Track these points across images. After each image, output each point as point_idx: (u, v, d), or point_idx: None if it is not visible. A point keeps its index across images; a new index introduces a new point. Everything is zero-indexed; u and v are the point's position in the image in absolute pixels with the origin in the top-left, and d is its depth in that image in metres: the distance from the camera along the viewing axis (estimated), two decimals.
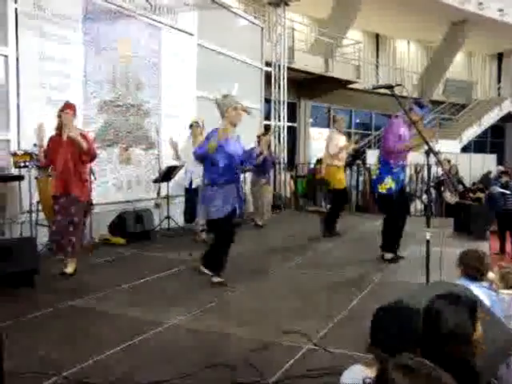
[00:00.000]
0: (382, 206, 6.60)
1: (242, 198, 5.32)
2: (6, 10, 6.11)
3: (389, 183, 6.19)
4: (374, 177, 6.52)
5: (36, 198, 6.19)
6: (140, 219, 7.60)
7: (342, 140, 8.11)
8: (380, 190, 6.26)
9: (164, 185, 8.09)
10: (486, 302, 3.21)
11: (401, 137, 5.94)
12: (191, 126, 7.59)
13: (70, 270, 5.40)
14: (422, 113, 5.99)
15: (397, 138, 5.92)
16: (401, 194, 6.37)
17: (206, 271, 5.31)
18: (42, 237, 6.18)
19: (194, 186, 7.50)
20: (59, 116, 5.35)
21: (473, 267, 3.49)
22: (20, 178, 5.99)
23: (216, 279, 5.21)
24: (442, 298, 2.06)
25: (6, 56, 6.15)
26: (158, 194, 8.04)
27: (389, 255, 6.37)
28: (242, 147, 5.34)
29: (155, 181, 8.06)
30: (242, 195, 5.33)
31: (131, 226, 7.42)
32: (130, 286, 5.09)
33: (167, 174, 7.91)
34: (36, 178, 6.13)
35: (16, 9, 6.20)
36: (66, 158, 5.33)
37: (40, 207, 6.20)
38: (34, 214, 6.18)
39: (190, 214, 7.66)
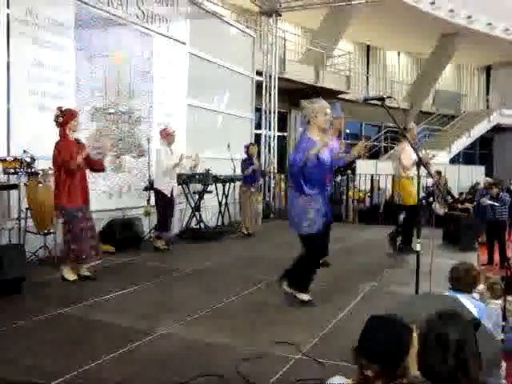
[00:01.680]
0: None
1: (329, 206, 4.89)
2: None
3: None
4: None
5: (25, 204, 6.14)
6: (130, 227, 7.58)
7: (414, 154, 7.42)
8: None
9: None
10: (474, 312, 3.23)
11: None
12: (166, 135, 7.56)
13: (88, 273, 5.68)
14: (337, 113, 6.17)
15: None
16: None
17: (291, 290, 4.85)
18: (31, 244, 6.13)
19: (174, 195, 7.61)
20: (65, 123, 5.47)
21: (462, 281, 3.52)
22: (14, 186, 5.94)
23: (305, 297, 4.82)
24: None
25: None
26: (148, 201, 8.01)
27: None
28: (330, 153, 4.86)
29: (145, 189, 8.04)
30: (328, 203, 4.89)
31: (121, 233, 7.38)
32: (119, 293, 5.06)
33: None
34: (25, 184, 6.09)
35: (8, 14, 6.17)
36: (84, 171, 5.65)
37: (29, 214, 6.15)
38: (22, 221, 6.13)
39: (167, 222, 7.65)
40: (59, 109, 5.54)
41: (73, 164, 5.36)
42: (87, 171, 5.77)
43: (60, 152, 5.40)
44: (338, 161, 5.02)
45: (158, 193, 7.45)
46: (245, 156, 9.21)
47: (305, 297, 4.82)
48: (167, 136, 7.47)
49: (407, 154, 7.32)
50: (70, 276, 5.54)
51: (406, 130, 7.63)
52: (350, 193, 12.78)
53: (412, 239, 7.37)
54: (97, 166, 5.87)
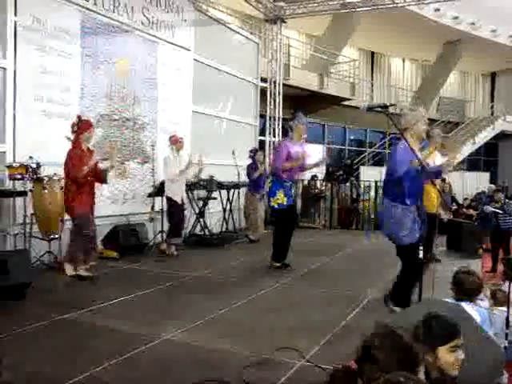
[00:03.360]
0: (274, 219, 7.04)
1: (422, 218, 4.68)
2: (6, 22, 6.15)
3: (280, 198, 6.60)
4: (268, 190, 6.94)
5: (30, 210, 6.18)
6: (134, 233, 7.60)
7: (437, 158, 6.97)
8: (272, 204, 6.72)
9: (158, 199, 8.10)
10: (477, 319, 3.23)
11: (290, 155, 6.49)
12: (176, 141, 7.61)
13: (89, 273, 5.95)
14: (302, 121, 6.76)
15: (284, 158, 6.51)
16: (291, 208, 6.79)
17: (398, 309, 4.59)
18: (36, 249, 6.16)
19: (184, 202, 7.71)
20: (80, 133, 5.75)
21: (465, 288, 3.52)
22: (23, 193, 6.02)
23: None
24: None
25: (4, 69, 6.18)
26: (153, 208, 8.04)
27: (277, 264, 6.82)
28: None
29: (150, 195, 8.08)
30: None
31: (125, 239, 7.41)
32: (123, 299, 5.08)
33: (162, 188, 7.94)
34: (31, 190, 6.13)
35: (15, 22, 6.24)
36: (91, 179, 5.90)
37: (34, 220, 6.19)
38: (27, 227, 6.16)
39: (179, 229, 7.71)
40: (78, 117, 5.88)
41: (79, 174, 5.59)
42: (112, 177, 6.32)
43: (70, 159, 5.66)
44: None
45: (170, 200, 7.51)
46: (250, 161, 9.23)
47: None
48: (176, 143, 7.52)
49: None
50: (70, 271, 5.88)
51: (429, 136, 7.55)
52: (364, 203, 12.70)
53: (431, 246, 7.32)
54: (99, 178, 6.08)
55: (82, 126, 5.76)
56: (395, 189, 4.55)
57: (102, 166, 6.09)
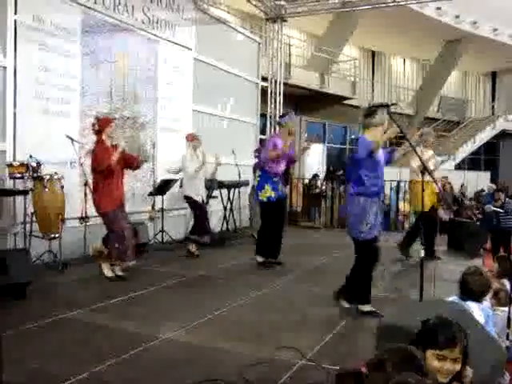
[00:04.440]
0: (261, 212, 7.07)
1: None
2: (6, 21, 6.13)
3: (268, 191, 6.69)
4: (255, 184, 6.99)
5: (31, 209, 6.16)
6: (134, 232, 7.56)
7: (426, 155, 7.43)
8: (261, 198, 6.79)
9: (159, 198, 8.09)
10: (481, 318, 3.22)
11: (276, 147, 6.58)
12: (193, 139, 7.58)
13: (122, 273, 5.94)
14: (292, 120, 6.93)
15: (271, 148, 6.62)
16: (279, 202, 6.85)
17: (348, 305, 4.81)
18: (36, 248, 6.15)
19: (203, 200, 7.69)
20: (101, 130, 5.74)
21: (472, 288, 3.50)
22: (24, 192, 5.96)
23: (367, 308, 4.72)
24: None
25: (4, 67, 6.16)
26: (153, 207, 8.03)
27: (260, 258, 6.89)
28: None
29: (150, 194, 8.06)
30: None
31: None
32: (124, 298, 5.07)
33: (162, 188, 7.92)
34: (31, 189, 6.11)
35: (15, 20, 6.22)
36: (121, 170, 5.94)
37: (34, 218, 6.18)
38: (28, 225, 6.15)
39: (204, 226, 7.66)
40: (96, 117, 5.91)
41: (108, 163, 5.58)
42: (125, 173, 6.13)
43: (96, 156, 5.68)
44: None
45: (189, 199, 7.48)
46: (256, 160, 9.19)
47: (367, 308, 4.71)
48: (193, 140, 7.49)
49: (416, 157, 7.21)
50: (109, 273, 5.88)
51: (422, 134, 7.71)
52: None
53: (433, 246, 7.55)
54: (133, 163, 6.14)
55: (101, 124, 5.77)
56: (358, 180, 4.66)
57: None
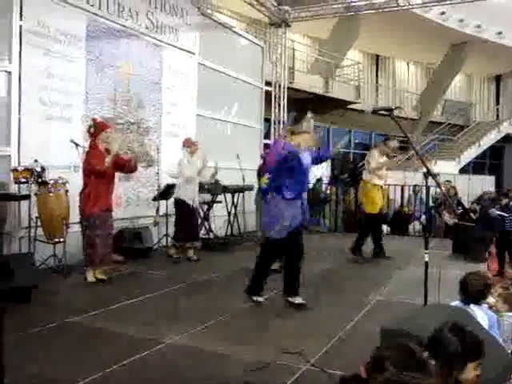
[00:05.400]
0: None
1: (305, 212, 5.22)
2: (11, 26, 6.17)
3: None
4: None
5: (35, 213, 6.18)
6: (138, 237, 7.59)
7: (383, 159, 7.84)
8: None
9: (163, 203, 8.10)
10: (486, 323, 3.21)
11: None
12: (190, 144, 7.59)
13: (103, 276, 5.94)
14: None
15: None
16: None
17: (259, 298, 5.23)
18: (41, 253, 6.16)
19: (196, 205, 7.66)
20: (96, 134, 5.76)
21: (471, 291, 3.48)
22: (27, 197, 5.98)
23: (259, 298, 5.19)
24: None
25: (9, 72, 6.20)
26: (157, 211, 8.03)
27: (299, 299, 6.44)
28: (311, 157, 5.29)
29: (154, 198, 8.07)
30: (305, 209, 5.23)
31: (129, 243, 7.40)
32: (127, 303, 5.07)
33: (166, 192, 7.93)
34: (35, 193, 6.14)
35: (21, 26, 6.26)
36: (112, 174, 5.91)
37: (39, 223, 6.19)
38: (32, 230, 6.17)
39: (192, 232, 7.63)
40: (93, 120, 5.94)
41: (100, 168, 5.60)
42: (116, 179, 6.10)
43: (89, 160, 5.69)
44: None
45: (180, 202, 7.46)
46: (260, 163, 9.20)
47: (258, 298, 5.17)
48: (191, 145, 7.51)
49: (374, 158, 7.73)
50: (90, 277, 5.89)
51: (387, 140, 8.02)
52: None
53: (361, 247, 7.89)
54: (127, 167, 6.15)
55: (97, 128, 5.79)
56: (277, 182, 4.97)
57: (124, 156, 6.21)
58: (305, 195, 5.36)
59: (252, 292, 5.21)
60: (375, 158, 7.74)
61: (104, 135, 5.80)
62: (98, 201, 5.73)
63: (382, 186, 7.88)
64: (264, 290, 5.27)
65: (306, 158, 5.09)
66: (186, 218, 7.45)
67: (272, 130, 13.14)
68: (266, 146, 12.03)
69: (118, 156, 5.95)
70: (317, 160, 5.43)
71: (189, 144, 7.53)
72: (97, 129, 5.78)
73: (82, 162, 5.95)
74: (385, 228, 12.10)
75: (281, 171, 4.97)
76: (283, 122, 12.97)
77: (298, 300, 5.09)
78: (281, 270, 6.47)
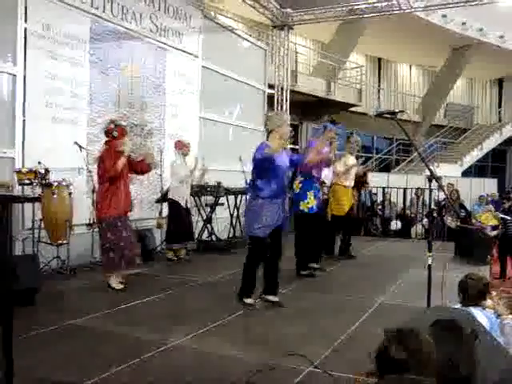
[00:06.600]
0: (298, 223, 6.73)
1: (285, 213, 5.23)
2: (16, 29, 6.20)
3: (311, 200, 6.44)
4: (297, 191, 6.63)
5: (39, 215, 6.21)
6: (141, 239, 7.60)
7: (351, 160, 8.02)
8: (302, 208, 6.47)
9: (166, 205, 8.11)
10: (486, 324, 3.21)
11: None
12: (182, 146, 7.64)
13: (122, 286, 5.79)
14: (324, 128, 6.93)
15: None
16: (317, 213, 6.60)
17: (250, 300, 5.17)
18: (44, 255, 6.19)
19: (189, 206, 7.70)
20: (118, 138, 5.71)
21: (469, 294, 3.49)
22: (35, 199, 5.98)
23: (248, 300, 5.16)
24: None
25: (14, 75, 6.23)
26: (160, 214, 8.05)
27: (304, 272, 6.69)
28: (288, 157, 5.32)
29: (157, 201, 8.09)
30: (285, 210, 5.27)
31: None
32: (132, 305, 5.09)
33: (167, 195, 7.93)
34: (40, 195, 6.16)
35: (25, 29, 6.29)
36: (127, 178, 5.90)
37: (43, 225, 6.21)
38: (36, 232, 6.19)
39: (186, 233, 7.67)
40: (113, 122, 5.81)
41: (115, 169, 5.56)
42: (130, 180, 6.09)
43: (104, 161, 5.63)
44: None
45: (173, 203, 7.48)
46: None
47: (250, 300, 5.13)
48: (183, 147, 7.54)
49: (341, 161, 7.85)
50: (117, 285, 5.72)
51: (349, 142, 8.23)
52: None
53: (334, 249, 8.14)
54: (142, 168, 6.10)
55: (120, 133, 5.72)
56: (256, 183, 5.07)
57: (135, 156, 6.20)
58: (286, 195, 5.42)
59: (242, 294, 5.17)
60: (341, 160, 7.88)
61: (123, 141, 5.74)
62: (119, 203, 5.69)
63: (349, 187, 7.99)
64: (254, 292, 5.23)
65: (283, 158, 5.13)
66: (179, 218, 7.50)
67: None
68: None
69: (131, 158, 5.94)
70: (291, 162, 5.37)
71: (181, 146, 7.58)
72: (119, 133, 5.71)
73: (96, 162, 5.87)
74: (394, 224, 12.23)
75: (256, 171, 5.11)
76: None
77: (274, 298, 5.18)
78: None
